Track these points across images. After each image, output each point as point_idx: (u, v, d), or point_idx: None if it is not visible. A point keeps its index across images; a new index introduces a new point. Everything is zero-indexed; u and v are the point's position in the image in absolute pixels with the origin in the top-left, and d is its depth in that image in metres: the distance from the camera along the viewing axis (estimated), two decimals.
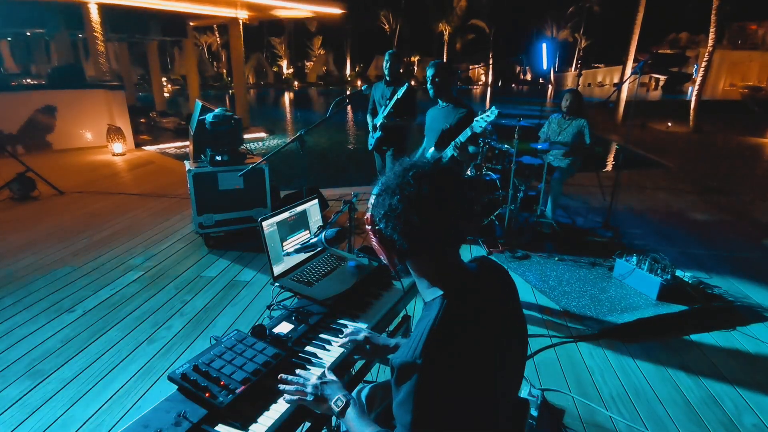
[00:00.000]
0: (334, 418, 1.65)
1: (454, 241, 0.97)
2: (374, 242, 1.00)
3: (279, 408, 1.12)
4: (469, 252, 3.91)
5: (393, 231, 0.93)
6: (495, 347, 0.95)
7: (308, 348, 1.38)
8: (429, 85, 3.24)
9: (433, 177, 0.91)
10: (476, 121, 2.86)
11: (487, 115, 2.80)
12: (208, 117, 3.87)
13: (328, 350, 1.37)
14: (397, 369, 0.86)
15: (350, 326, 1.43)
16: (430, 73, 3.21)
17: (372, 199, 0.99)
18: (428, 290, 0.98)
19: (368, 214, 0.99)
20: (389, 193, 0.92)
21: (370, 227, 0.99)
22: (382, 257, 1.01)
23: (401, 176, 0.92)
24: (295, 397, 1.09)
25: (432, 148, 3.33)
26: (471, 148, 3.19)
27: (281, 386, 1.12)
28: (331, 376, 1.14)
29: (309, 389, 1.09)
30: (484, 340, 0.93)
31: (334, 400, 1.06)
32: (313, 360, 1.32)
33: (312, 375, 1.14)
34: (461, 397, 0.87)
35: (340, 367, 1.33)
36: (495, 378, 0.95)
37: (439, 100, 3.33)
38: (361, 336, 1.33)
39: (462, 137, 3.02)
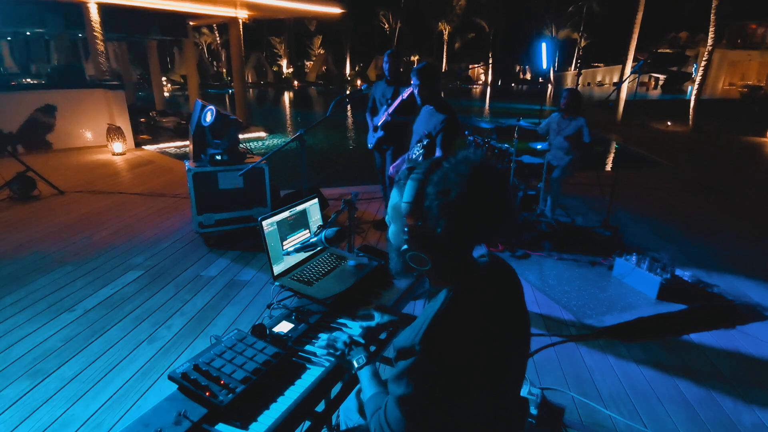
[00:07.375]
0: (334, 417, 1.67)
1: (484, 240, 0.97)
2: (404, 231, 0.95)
3: (279, 407, 1.12)
4: None
5: (442, 223, 0.88)
6: (500, 345, 0.95)
7: (308, 347, 1.38)
8: (415, 93, 3.30)
9: (495, 174, 0.91)
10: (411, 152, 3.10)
11: (419, 147, 2.96)
12: (204, 117, 3.86)
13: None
14: (397, 351, 0.93)
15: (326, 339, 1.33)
16: (414, 82, 3.25)
17: (412, 186, 0.93)
18: (438, 282, 0.99)
19: (406, 202, 0.93)
20: (449, 184, 0.88)
21: (408, 215, 0.93)
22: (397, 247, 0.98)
23: (463, 170, 0.88)
24: (325, 349, 1.28)
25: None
26: None
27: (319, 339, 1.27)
28: (359, 340, 1.28)
29: (339, 344, 1.25)
30: (489, 336, 0.93)
31: (356, 358, 1.21)
32: (314, 359, 1.32)
33: (344, 334, 1.29)
34: (458, 388, 0.87)
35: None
36: (499, 376, 0.95)
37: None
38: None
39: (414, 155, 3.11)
